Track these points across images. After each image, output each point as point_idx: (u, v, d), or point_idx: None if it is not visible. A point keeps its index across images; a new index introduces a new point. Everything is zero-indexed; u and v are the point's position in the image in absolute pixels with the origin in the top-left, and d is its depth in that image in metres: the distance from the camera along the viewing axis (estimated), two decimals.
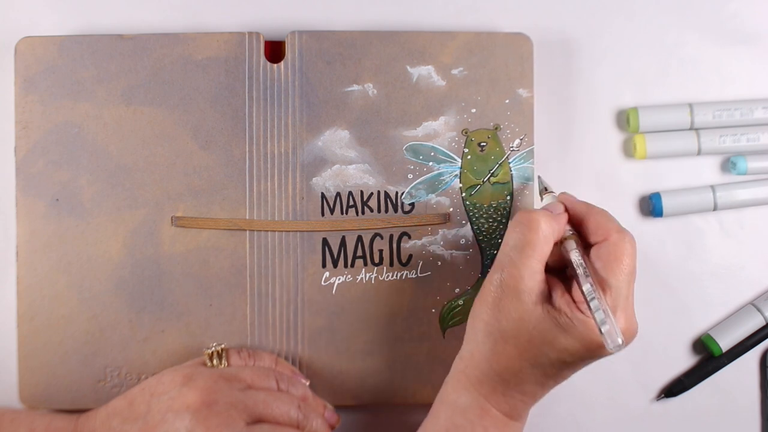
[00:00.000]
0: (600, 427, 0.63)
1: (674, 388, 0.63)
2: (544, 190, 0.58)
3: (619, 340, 0.47)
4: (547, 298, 0.51)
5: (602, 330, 0.48)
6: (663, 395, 0.63)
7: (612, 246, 0.51)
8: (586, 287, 0.49)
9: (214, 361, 0.57)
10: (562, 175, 0.62)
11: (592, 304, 0.48)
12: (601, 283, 0.50)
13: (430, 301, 0.61)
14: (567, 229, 0.53)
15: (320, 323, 0.60)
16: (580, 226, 0.53)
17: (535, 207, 0.60)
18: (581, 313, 0.50)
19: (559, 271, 0.53)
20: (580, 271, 0.50)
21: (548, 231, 0.51)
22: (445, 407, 0.54)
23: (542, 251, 0.51)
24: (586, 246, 0.52)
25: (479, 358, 0.52)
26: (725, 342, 0.62)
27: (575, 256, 0.51)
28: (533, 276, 0.51)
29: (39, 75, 0.59)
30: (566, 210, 0.54)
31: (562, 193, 0.56)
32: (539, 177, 0.59)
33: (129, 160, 0.60)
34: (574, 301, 0.50)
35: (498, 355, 0.52)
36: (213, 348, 0.58)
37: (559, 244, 0.52)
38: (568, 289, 0.51)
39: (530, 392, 0.53)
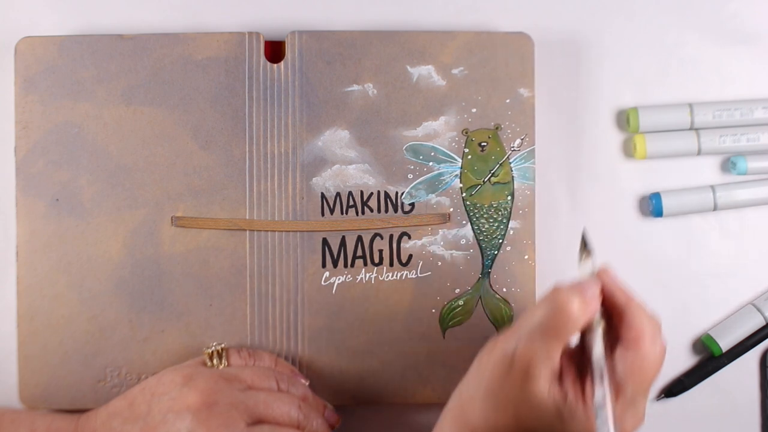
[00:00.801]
0: None
1: (674, 388, 0.63)
2: (585, 249, 0.50)
3: None
4: (557, 377, 0.48)
5: None
6: (663, 395, 0.63)
7: (642, 356, 0.47)
8: (598, 396, 0.46)
9: (214, 361, 0.57)
10: (563, 175, 0.62)
11: (599, 414, 0.46)
12: (617, 386, 0.47)
13: (430, 301, 0.60)
14: (596, 314, 0.49)
15: (320, 323, 0.60)
16: (612, 311, 0.49)
17: (576, 267, 0.52)
18: (585, 405, 0.47)
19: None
20: (597, 373, 0.47)
21: (578, 318, 0.47)
22: None
23: (566, 337, 0.47)
24: (612, 336, 0.49)
25: (477, 410, 0.49)
26: (725, 342, 0.62)
27: (597, 353, 0.47)
28: (550, 358, 0.47)
29: (39, 75, 0.59)
30: (602, 291, 0.49)
31: (603, 268, 0.50)
32: (584, 229, 0.51)
33: (129, 160, 0.60)
34: (582, 392, 0.48)
35: (496, 419, 0.49)
36: (213, 348, 0.58)
37: (584, 328, 0.49)
38: (579, 373, 0.48)
39: None
